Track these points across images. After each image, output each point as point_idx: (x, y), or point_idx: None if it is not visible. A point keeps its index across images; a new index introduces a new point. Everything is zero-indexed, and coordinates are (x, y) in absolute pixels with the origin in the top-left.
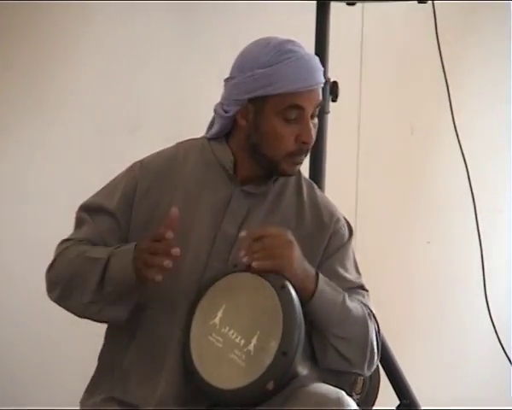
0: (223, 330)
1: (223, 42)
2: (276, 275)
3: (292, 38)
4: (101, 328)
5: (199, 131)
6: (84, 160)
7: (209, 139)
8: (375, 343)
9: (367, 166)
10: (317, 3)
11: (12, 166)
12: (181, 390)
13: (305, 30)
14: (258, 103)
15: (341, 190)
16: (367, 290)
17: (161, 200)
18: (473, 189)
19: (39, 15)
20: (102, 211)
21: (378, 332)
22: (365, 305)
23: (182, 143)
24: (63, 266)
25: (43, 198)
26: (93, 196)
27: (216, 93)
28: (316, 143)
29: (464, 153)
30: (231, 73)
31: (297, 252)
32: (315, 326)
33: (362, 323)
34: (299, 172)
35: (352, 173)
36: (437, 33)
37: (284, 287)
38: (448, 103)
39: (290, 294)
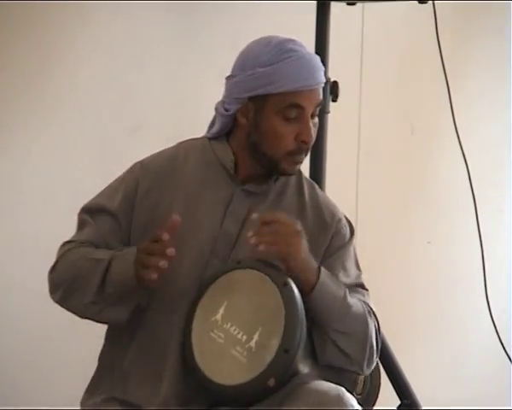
0: (224, 326)
1: (222, 42)
2: (278, 272)
3: (293, 38)
4: (102, 329)
5: (199, 131)
6: (83, 160)
7: (210, 139)
8: (374, 341)
9: (367, 166)
10: (318, 3)
11: (10, 167)
12: (183, 389)
13: (305, 30)
14: (258, 102)
15: (342, 190)
16: (367, 290)
17: (162, 200)
18: (473, 189)
19: (36, 15)
20: (104, 212)
21: (378, 330)
22: (365, 303)
23: (182, 143)
24: (65, 268)
25: (42, 198)
26: (94, 198)
27: (216, 93)
28: (316, 143)
29: (465, 153)
30: (232, 72)
31: (304, 243)
32: (315, 321)
33: (362, 319)
34: (300, 172)
35: (353, 173)
36: (437, 33)
37: (286, 284)
38: (448, 103)
39: (292, 291)
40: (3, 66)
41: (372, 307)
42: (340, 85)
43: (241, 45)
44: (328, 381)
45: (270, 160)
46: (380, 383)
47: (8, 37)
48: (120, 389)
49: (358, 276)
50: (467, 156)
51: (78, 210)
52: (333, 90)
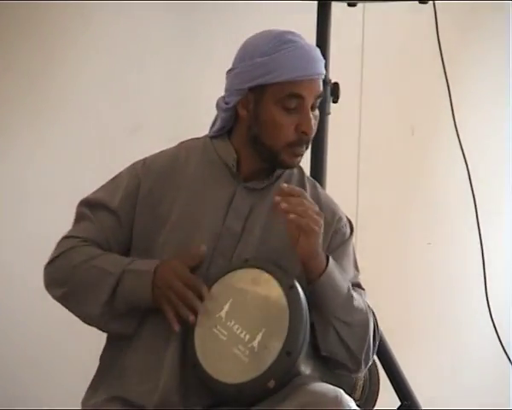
0: (228, 323)
1: (222, 42)
2: (285, 273)
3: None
4: None
5: (199, 131)
6: (84, 160)
7: (211, 138)
8: (372, 338)
9: (368, 167)
10: (318, 4)
11: (12, 166)
12: (183, 385)
13: (305, 31)
14: (258, 92)
15: (342, 191)
16: (364, 289)
17: (164, 200)
18: (474, 190)
19: (38, 15)
20: (104, 208)
21: (377, 328)
22: (364, 301)
23: (183, 143)
24: (69, 268)
25: (43, 198)
26: (94, 192)
27: (216, 93)
28: (317, 143)
29: (465, 153)
30: (233, 64)
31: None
32: (319, 310)
33: (363, 313)
34: (303, 172)
35: (353, 174)
36: (438, 34)
37: (292, 287)
38: (448, 104)
39: (298, 294)
40: (6, 67)
41: (370, 305)
42: (341, 87)
43: None
44: (328, 383)
45: (269, 151)
46: (378, 389)
47: (11, 38)
48: (122, 388)
49: (356, 276)
50: (467, 157)
51: None
52: (333, 91)
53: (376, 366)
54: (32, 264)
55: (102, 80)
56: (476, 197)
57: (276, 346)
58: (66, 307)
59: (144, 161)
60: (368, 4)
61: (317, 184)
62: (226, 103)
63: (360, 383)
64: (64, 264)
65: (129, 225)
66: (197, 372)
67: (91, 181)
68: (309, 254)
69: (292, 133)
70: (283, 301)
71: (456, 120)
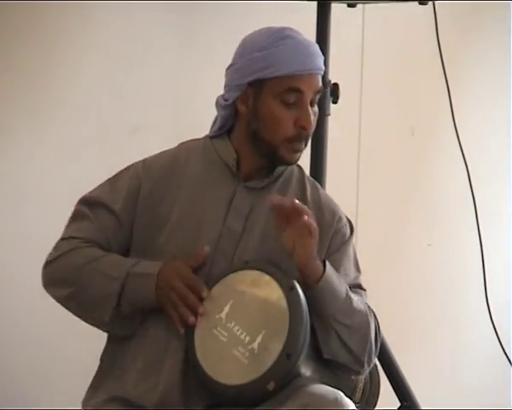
0: (228, 325)
1: (222, 42)
2: (285, 275)
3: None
4: None
5: (198, 131)
6: (83, 160)
7: (211, 138)
8: (374, 339)
9: (368, 167)
10: (318, 4)
11: (11, 166)
12: (183, 385)
13: (305, 31)
14: (257, 87)
15: (342, 191)
16: (364, 290)
17: (164, 200)
18: (473, 190)
19: (37, 15)
20: (104, 207)
21: (378, 329)
22: (365, 302)
23: (183, 143)
24: (71, 269)
25: (43, 198)
26: (93, 191)
27: (215, 93)
28: (317, 143)
29: (465, 153)
30: (232, 60)
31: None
32: (320, 315)
33: (364, 315)
34: (303, 172)
35: (353, 175)
36: (437, 34)
37: (293, 288)
38: (448, 104)
39: (298, 296)
40: (6, 66)
41: (370, 307)
42: (341, 87)
43: None
44: (328, 385)
45: (268, 146)
46: (379, 391)
47: (10, 38)
48: (122, 388)
49: (357, 277)
50: (466, 157)
51: None
52: (333, 92)
53: (377, 368)
54: (31, 264)
55: (102, 80)
56: (476, 198)
57: (277, 348)
58: (70, 310)
59: (144, 161)
60: (367, 5)
61: (317, 184)
62: (225, 100)
63: (360, 385)
64: (65, 265)
65: (129, 225)
66: (197, 373)
67: (91, 181)
68: (306, 261)
69: (291, 128)
70: (283, 302)
71: (456, 121)
